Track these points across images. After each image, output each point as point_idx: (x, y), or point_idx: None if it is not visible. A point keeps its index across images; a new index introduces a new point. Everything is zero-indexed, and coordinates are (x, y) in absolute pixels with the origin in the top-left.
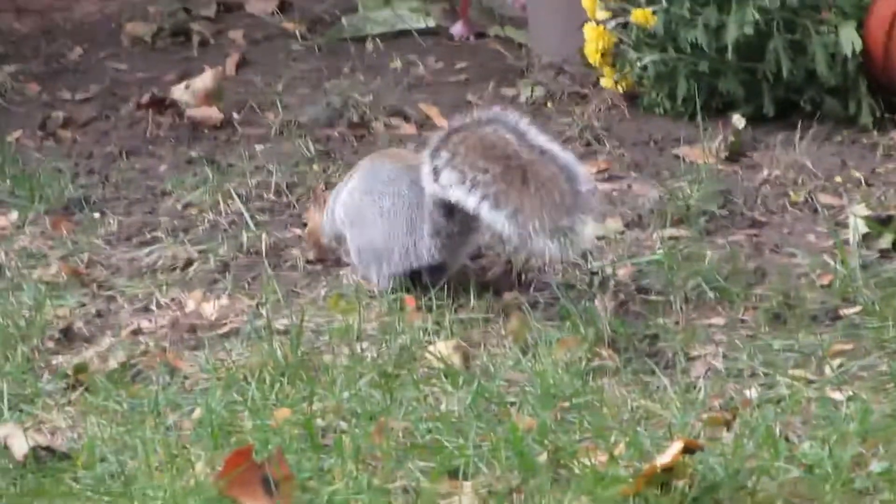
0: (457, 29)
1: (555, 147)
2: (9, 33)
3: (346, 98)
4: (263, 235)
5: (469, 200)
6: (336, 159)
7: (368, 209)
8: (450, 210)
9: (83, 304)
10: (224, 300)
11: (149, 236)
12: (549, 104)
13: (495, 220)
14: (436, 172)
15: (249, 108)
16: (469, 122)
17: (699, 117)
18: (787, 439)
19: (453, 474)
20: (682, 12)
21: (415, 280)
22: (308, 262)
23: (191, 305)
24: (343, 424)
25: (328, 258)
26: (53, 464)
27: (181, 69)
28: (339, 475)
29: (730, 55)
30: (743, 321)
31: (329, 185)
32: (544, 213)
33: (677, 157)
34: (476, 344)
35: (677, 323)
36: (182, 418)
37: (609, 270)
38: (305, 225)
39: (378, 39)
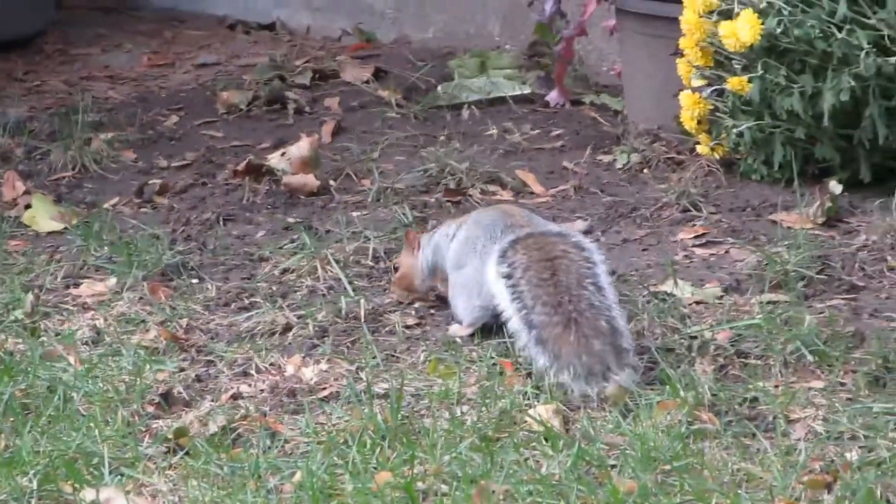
0: (552, 96)
1: (610, 294)
2: (104, 101)
3: (443, 165)
4: (362, 301)
5: (512, 321)
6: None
7: (467, 251)
8: None
9: (182, 369)
10: (323, 365)
11: (247, 302)
12: (645, 170)
13: (529, 350)
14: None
15: (346, 176)
16: (545, 231)
17: (796, 183)
18: (888, 502)
19: None
20: (777, 80)
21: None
22: (406, 326)
23: (290, 370)
24: (444, 488)
25: (416, 298)
26: None
27: (276, 137)
28: None
29: (826, 122)
30: (842, 384)
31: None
32: (579, 361)
33: (774, 222)
34: (576, 408)
35: (777, 386)
36: (283, 482)
37: (708, 335)
38: (396, 269)
39: (474, 106)
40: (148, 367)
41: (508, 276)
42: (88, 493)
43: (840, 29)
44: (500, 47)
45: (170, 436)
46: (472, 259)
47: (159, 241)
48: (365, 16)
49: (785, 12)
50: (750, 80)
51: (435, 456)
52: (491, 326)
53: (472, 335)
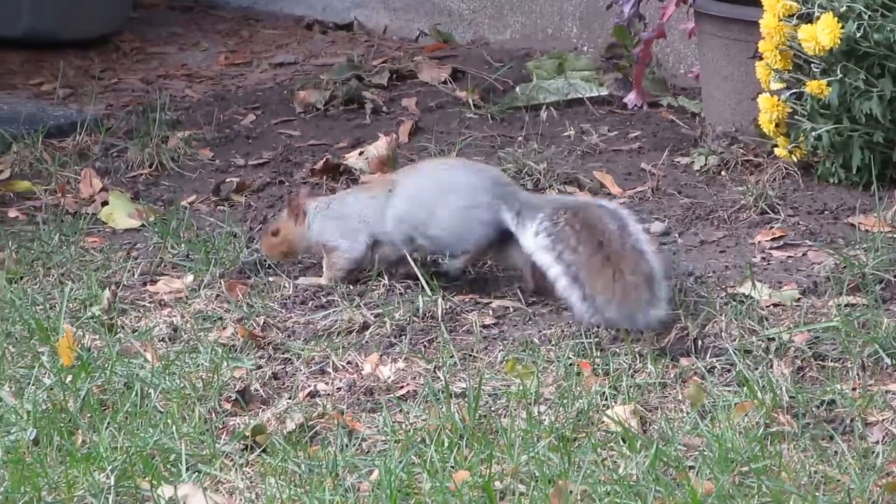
0: (630, 98)
1: (647, 248)
2: (182, 100)
3: (521, 165)
4: (439, 300)
5: (552, 270)
6: None
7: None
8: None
9: (259, 367)
10: (401, 363)
11: (324, 300)
12: (722, 173)
13: (569, 295)
14: (535, 234)
15: None
16: (582, 203)
17: (874, 187)
18: None
19: None
20: (857, 83)
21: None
22: (484, 326)
23: (367, 368)
24: (521, 487)
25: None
26: None
27: (354, 136)
28: None
29: None
30: None
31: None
32: (615, 301)
33: (852, 225)
34: (653, 408)
35: (854, 389)
36: (360, 480)
37: (785, 337)
38: (275, 233)
39: (551, 108)
40: (225, 364)
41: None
42: (166, 490)
43: None
44: (578, 49)
45: (247, 433)
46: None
47: (236, 238)
48: (442, 16)
49: (865, 16)
50: (829, 84)
51: (513, 455)
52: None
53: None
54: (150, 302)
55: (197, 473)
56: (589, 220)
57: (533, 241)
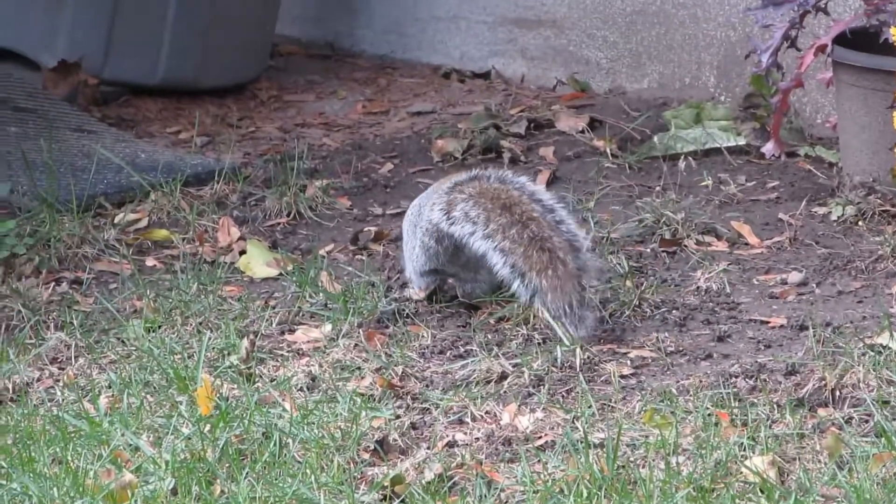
0: (768, 148)
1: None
2: (319, 148)
3: (658, 215)
4: (577, 350)
5: (481, 247)
6: (648, 275)
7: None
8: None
9: (398, 416)
10: (539, 413)
11: (462, 350)
12: (860, 223)
13: (508, 278)
14: (451, 219)
15: None
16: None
17: None
18: None
19: None
20: None
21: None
22: (622, 376)
23: (506, 418)
24: None
25: None
26: None
27: None
28: None
29: None
30: None
31: None
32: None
33: None
34: (791, 459)
35: None
36: None
37: None
38: None
39: (689, 157)
40: (363, 413)
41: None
42: None
43: None
44: (715, 98)
45: (386, 483)
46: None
47: (375, 288)
48: (580, 65)
49: None
50: None
51: None
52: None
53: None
54: (287, 351)
55: None
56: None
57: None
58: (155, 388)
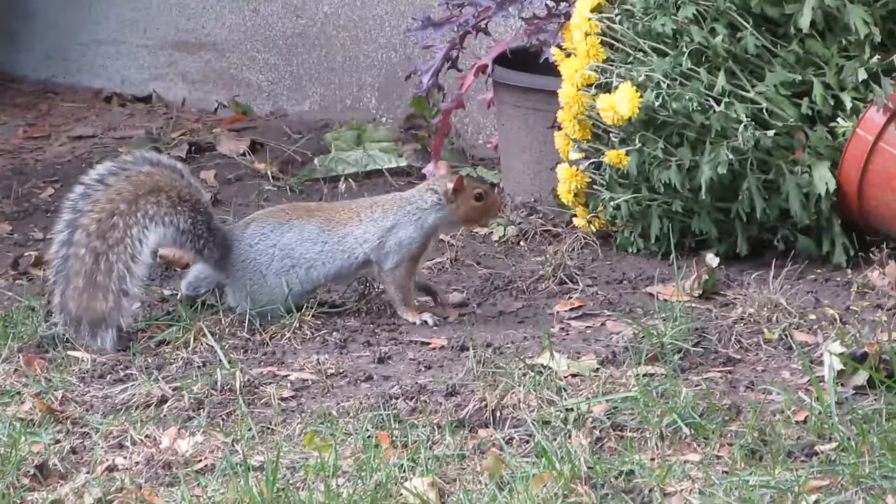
0: (429, 168)
1: None
2: None
3: None
4: (237, 373)
5: None
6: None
7: None
8: None
9: (58, 441)
10: (199, 437)
11: (122, 374)
12: (521, 243)
13: None
14: None
15: None
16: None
17: (672, 256)
18: None
19: None
20: (655, 153)
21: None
22: (282, 398)
23: (166, 442)
24: None
25: None
26: None
27: None
28: None
29: (703, 195)
30: (718, 457)
31: None
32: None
33: (651, 295)
34: (451, 480)
35: (653, 459)
36: None
37: (584, 407)
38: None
39: (350, 179)
40: (23, 438)
41: None
42: None
43: (718, 102)
44: (377, 120)
45: None
46: None
47: (34, 312)
48: (241, 88)
49: (663, 86)
50: (627, 154)
51: None
52: None
53: None
54: None
55: None
56: None
57: None
58: None
